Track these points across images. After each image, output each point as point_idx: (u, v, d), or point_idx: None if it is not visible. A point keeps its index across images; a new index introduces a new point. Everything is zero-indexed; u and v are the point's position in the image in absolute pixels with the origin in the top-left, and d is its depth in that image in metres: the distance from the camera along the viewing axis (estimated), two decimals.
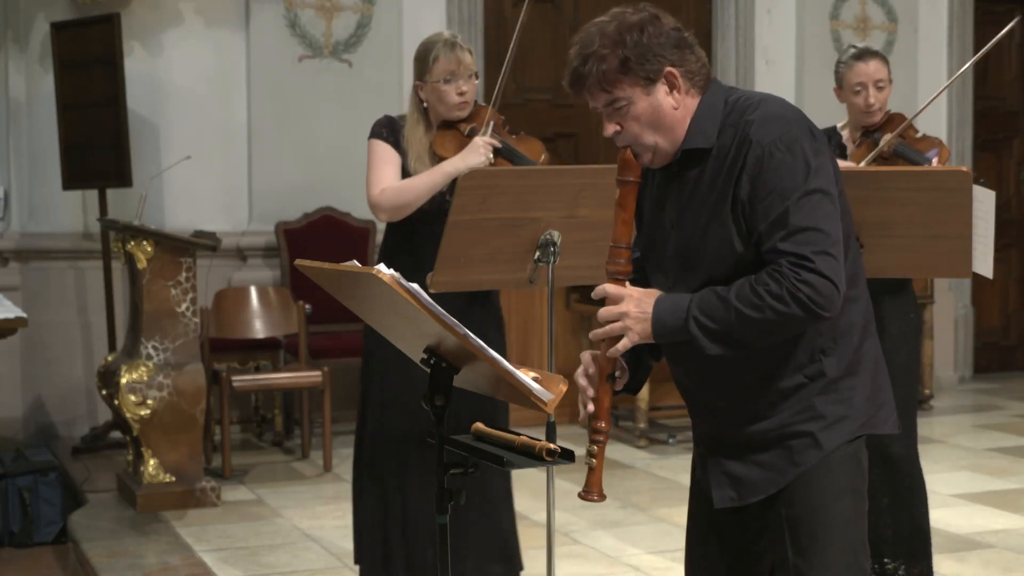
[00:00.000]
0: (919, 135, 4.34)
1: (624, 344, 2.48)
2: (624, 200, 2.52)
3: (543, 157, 3.98)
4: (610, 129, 2.52)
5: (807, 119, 2.51)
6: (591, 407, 2.55)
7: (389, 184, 3.92)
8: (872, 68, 4.21)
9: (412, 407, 3.90)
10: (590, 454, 2.57)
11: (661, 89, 2.48)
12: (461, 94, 3.90)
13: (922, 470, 4.20)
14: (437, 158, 3.92)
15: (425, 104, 3.95)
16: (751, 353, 2.50)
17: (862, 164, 4.17)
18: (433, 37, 4.00)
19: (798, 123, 2.46)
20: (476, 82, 3.95)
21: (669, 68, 2.47)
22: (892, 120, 4.27)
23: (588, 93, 2.50)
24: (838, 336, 2.54)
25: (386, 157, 3.96)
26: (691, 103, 2.51)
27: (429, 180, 3.88)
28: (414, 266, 3.73)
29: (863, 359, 2.59)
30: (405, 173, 3.95)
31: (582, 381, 2.57)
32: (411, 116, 3.98)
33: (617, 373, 2.57)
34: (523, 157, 3.91)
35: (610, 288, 2.50)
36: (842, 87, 4.28)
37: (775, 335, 2.46)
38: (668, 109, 2.49)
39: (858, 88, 4.22)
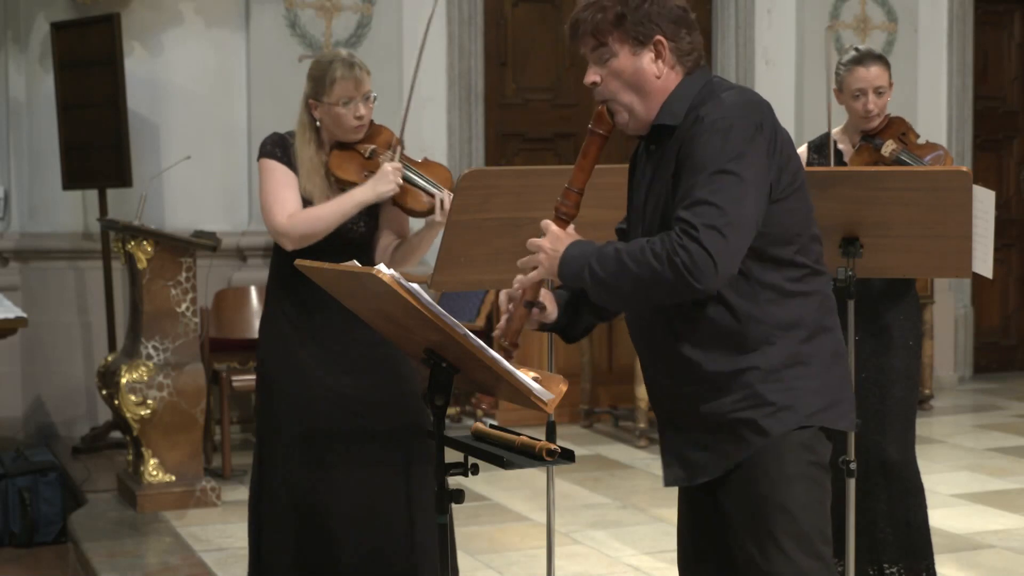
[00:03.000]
0: (920, 141, 4.31)
1: (532, 275, 2.63)
2: (588, 149, 2.67)
3: (450, 183, 3.80)
4: (590, 77, 2.64)
5: (766, 116, 2.56)
6: (502, 325, 2.66)
7: (295, 210, 3.73)
8: (873, 74, 4.17)
9: (304, 410, 3.80)
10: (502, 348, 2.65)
11: (647, 54, 2.60)
12: (359, 117, 3.74)
13: (920, 474, 4.19)
14: (334, 178, 3.76)
15: (318, 123, 3.78)
16: (697, 334, 2.58)
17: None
18: (329, 55, 3.84)
19: (750, 113, 2.54)
20: (372, 105, 3.77)
21: (659, 37, 2.59)
22: (892, 124, 4.23)
23: (581, 40, 2.63)
24: (784, 328, 2.60)
25: (284, 180, 3.77)
26: (674, 79, 2.62)
27: (339, 209, 3.70)
28: (312, 301, 3.65)
29: (815, 353, 2.63)
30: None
31: (502, 298, 2.70)
32: (302, 133, 3.81)
33: (539, 308, 2.68)
34: (429, 181, 3.76)
35: (544, 222, 2.65)
36: (842, 90, 4.24)
37: (650, 295, 2.52)
38: (650, 75, 2.60)
39: (858, 93, 4.17)
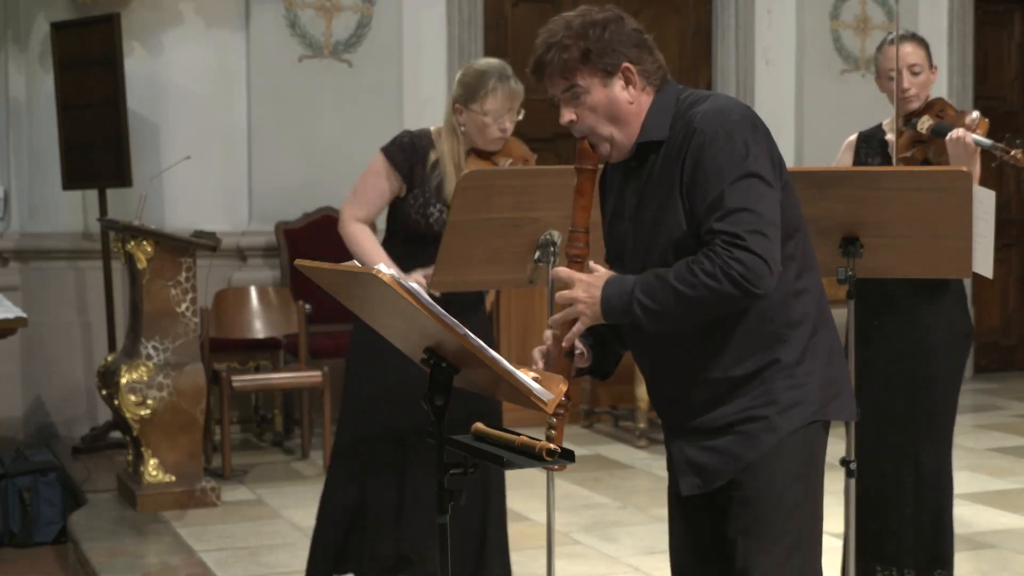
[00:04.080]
0: (960, 113, 4.17)
1: (578, 328, 2.61)
2: (582, 187, 2.67)
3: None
4: (566, 117, 2.65)
5: (752, 112, 2.62)
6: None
7: (359, 219, 3.89)
8: (906, 52, 4.05)
9: (390, 406, 3.90)
10: (550, 426, 2.66)
11: (618, 83, 2.62)
12: (503, 130, 3.83)
13: (953, 483, 4.12)
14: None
15: (463, 128, 3.85)
16: (709, 342, 2.60)
17: (906, 153, 4.06)
18: (485, 65, 3.87)
19: (740, 114, 2.58)
20: (518, 118, 3.85)
21: (626, 64, 2.62)
22: (932, 105, 4.11)
23: (549, 80, 2.65)
24: (792, 324, 2.63)
25: (378, 184, 3.87)
26: (646, 100, 2.64)
27: (364, 260, 3.83)
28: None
29: (818, 347, 2.67)
30: (414, 194, 3.88)
31: (535, 355, 2.69)
32: (446, 134, 3.88)
33: (577, 351, 2.69)
34: None
35: (562, 272, 2.62)
36: (879, 75, 4.14)
37: (710, 312, 2.54)
38: (623, 103, 2.62)
39: (891, 74, 4.05)
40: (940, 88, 8.99)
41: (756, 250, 2.46)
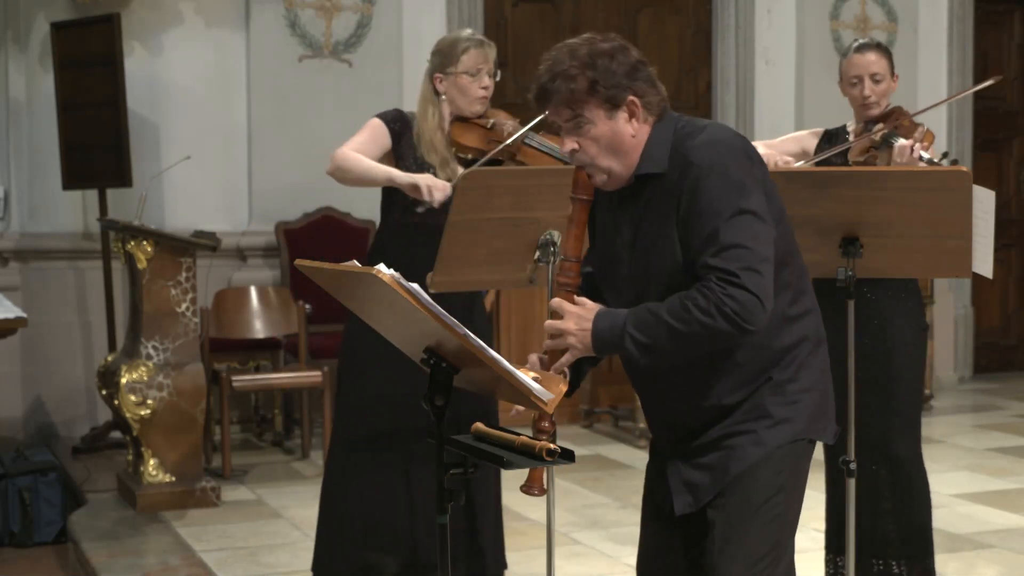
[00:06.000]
0: (914, 125, 4.28)
1: (567, 359, 2.62)
2: (577, 216, 2.69)
3: None
4: (568, 145, 2.64)
5: (748, 144, 2.63)
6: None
7: (354, 147, 3.96)
8: (868, 60, 4.18)
9: (386, 407, 3.91)
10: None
11: (622, 116, 2.61)
12: (484, 88, 3.94)
13: (926, 472, 4.20)
14: (456, 146, 3.94)
15: (443, 96, 3.96)
16: (707, 373, 2.63)
17: (860, 158, 4.15)
18: (457, 33, 4.06)
19: (736, 148, 2.59)
20: (494, 82, 3.98)
21: (632, 97, 2.60)
22: (892, 113, 4.23)
23: (553, 109, 2.63)
24: (788, 348, 2.67)
25: (375, 135, 3.98)
26: (646, 131, 2.64)
27: (371, 169, 3.92)
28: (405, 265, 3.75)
29: (812, 365, 2.71)
30: (403, 166, 3.96)
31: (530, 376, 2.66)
32: (424, 108, 3.98)
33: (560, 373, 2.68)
34: (553, 147, 3.92)
35: (555, 303, 2.64)
36: (842, 80, 4.27)
37: (702, 347, 2.56)
38: (626, 136, 2.62)
39: (854, 80, 4.20)
40: (940, 88, 9.00)
41: (750, 287, 2.47)
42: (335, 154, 3.96)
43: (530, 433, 2.64)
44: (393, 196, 4.01)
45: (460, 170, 3.90)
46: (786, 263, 2.64)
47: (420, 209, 3.93)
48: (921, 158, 3.96)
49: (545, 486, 2.72)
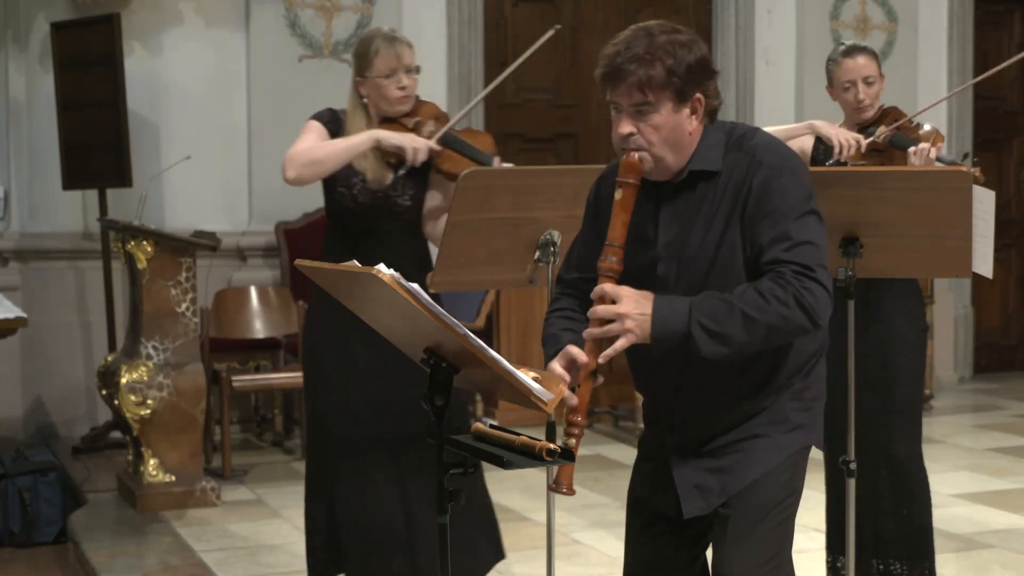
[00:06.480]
0: (915, 126, 4.30)
1: (621, 344, 2.52)
2: (626, 202, 2.60)
3: (494, 149, 3.92)
4: (625, 129, 2.59)
5: None
6: (573, 400, 2.60)
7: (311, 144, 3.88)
8: (860, 64, 4.19)
9: (354, 412, 3.87)
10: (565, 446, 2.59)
11: (686, 111, 2.60)
12: (402, 88, 3.86)
13: (926, 472, 4.20)
14: (379, 152, 3.86)
15: (365, 100, 3.90)
16: (746, 374, 2.62)
17: (861, 161, 4.16)
18: (371, 32, 3.96)
19: (794, 154, 2.65)
20: (417, 77, 3.89)
21: (699, 95, 2.60)
22: (887, 114, 4.25)
23: (625, 90, 2.57)
24: (810, 356, 2.70)
25: (321, 135, 3.90)
26: (700, 129, 2.64)
27: (350, 142, 3.81)
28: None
29: (821, 374, 2.75)
30: (330, 179, 3.90)
31: (559, 368, 2.61)
32: (351, 111, 3.92)
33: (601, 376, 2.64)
34: (474, 149, 3.87)
35: (608, 287, 2.54)
36: (833, 85, 4.27)
37: (772, 339, 2.53)
38: (685, 131, 2.60)
39: (847, 85, 4.21)
40: (940, 88, 9.00)
41: (824, 283, 2.50)
42: (292, 155, 3.82)
43: (530, 434, 2.63)
44: (330, 185, 3.94)
45: (390, 176, 3.87)
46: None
47: (355, 190, 3.86)
48: (940, 159, 3.96)
49: (573, 487, 2.62)
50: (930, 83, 8.89)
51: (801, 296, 2.47)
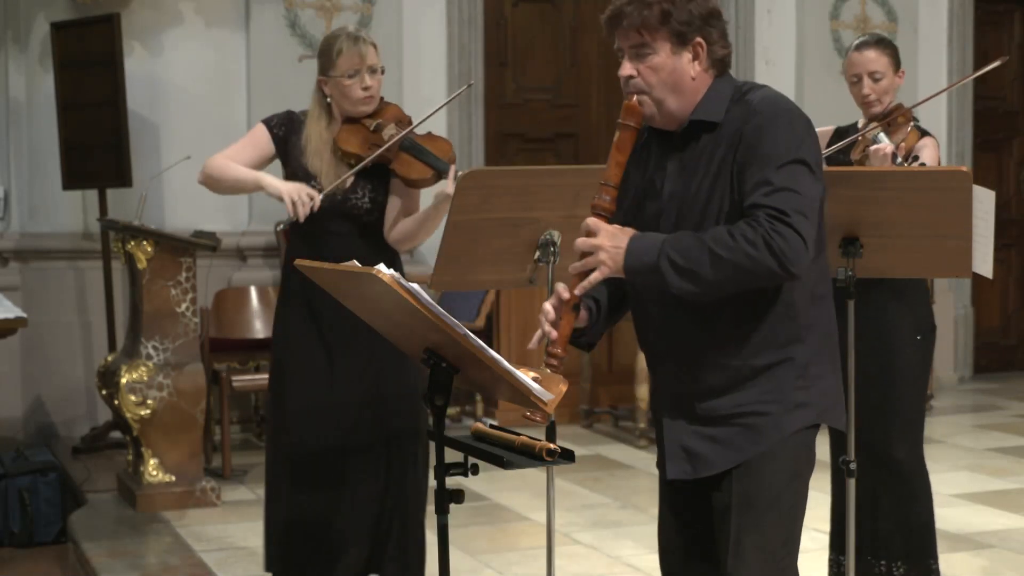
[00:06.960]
0: (912, 129, 4.27)
1: (596, 276, 2.57)
2: (622, 143, 2.65)
3: (451, 156, 3.91)
4: (626, 70, 2.65)
5: (804, 114, 2.65)
6: (552, 333, 2.64)
7: (228, 155, 3.91)
8: (866, 58, 4.15)
9: (320, 417, 3.87)
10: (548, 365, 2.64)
11: (686, 55, 2.63)
12: (366, 89, 3.84)
13: (927, 474, 4.17)
14: (340, 152, 3.86)
15: (329, 99, 3.89)
16: (736, 328, 2.61)
17: (856, 156, 4.15)
18: (336, 32, 3.94)
19: (798, 110, 2.63)
20: (381, 77, 3.88)
21: (699, 39, 2.63)
22: (894, 111, 4.20)
23: (623, 33, 2.64)
24: (811, 327, 2.67)
25: (255, 142, 3.93)
26: (706, 80, 2.66)
27: (241, 176, 3.88)
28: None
29: (826, 353, 2.72)
30: (289, 171, 3.93)
31: (548, 306, 2.66)
32: (313, 110, 3.91)
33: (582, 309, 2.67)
34: (431, 155, 3.85)
35: (590, 221, 2.60)
36: (847, 78, 4.25)
37: (739, 283, 2.52)
38: (686, 75, 2.63)
39: (854, 79, 4.19)
40: (940, 88, 9.00)
41: (798, 228, 2.47)
42: (208, 162, 3.90)
43: (530, 434, 2.63)
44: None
45: (349, 179, 3.86)
46: (820, 251, 2.65)
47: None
48: (896, 161, 3.94)
49: (550, 413, 2.61)
50: (930, 83, 8.88)
51: (770, 238, 2.45)
